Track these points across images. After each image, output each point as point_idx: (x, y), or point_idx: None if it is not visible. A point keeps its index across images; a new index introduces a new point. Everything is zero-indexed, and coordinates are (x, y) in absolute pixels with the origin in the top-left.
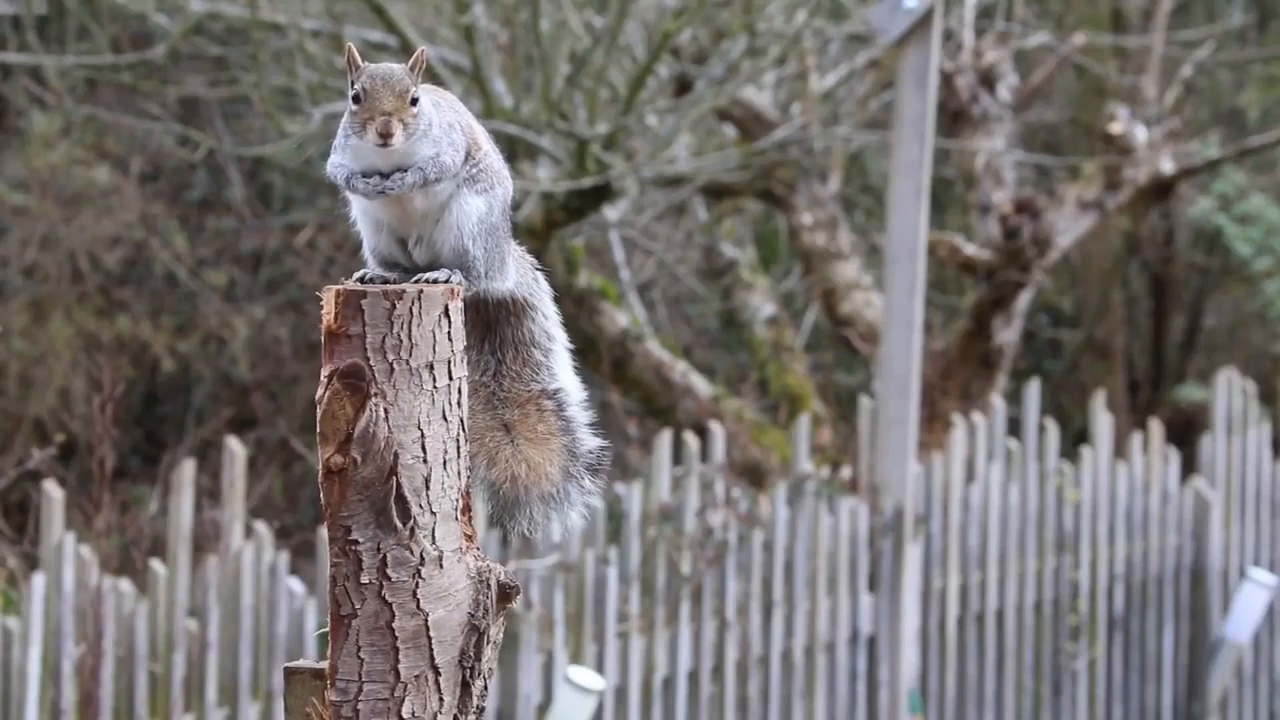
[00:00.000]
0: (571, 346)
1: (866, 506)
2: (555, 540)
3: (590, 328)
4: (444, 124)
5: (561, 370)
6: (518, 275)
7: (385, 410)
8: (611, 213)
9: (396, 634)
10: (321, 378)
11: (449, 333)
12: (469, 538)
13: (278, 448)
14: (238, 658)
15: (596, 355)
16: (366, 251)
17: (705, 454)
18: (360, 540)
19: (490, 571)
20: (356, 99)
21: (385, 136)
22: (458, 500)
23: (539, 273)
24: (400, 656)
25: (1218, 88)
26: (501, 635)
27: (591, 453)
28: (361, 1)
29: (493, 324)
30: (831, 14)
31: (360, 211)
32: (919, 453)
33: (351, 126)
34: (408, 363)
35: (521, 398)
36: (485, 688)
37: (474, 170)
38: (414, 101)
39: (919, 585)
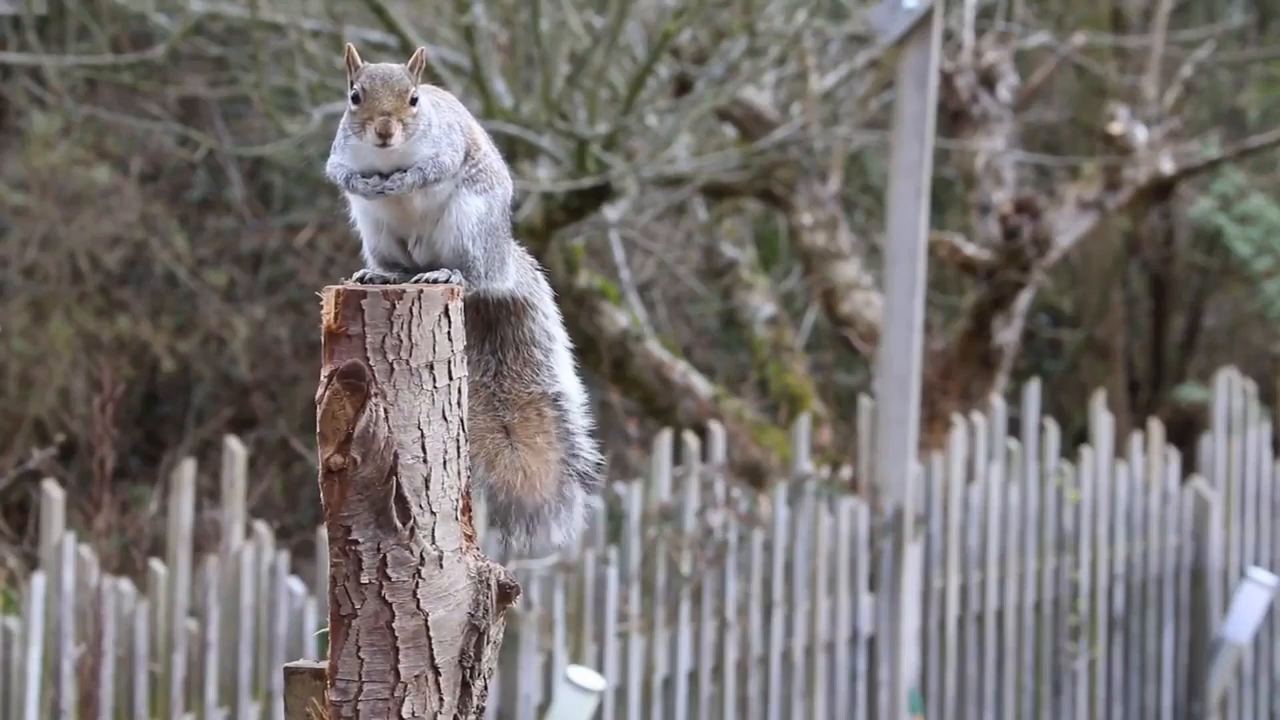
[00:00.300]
0: (571, 346)
1: (866, 506)
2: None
3: (590, 328)
4: (444, 124)
5: (562, 371)
6: (518, 275)
7: (385, 410)
8: (611, 213)
9: (396, 634)
10: (321, 378)
11: (449, 333)
12: (469, 538)
13: (278, 448)
14: (238, 658)
15: (596, 355)
16: (366, 252)
17: (705, 454)
18: (360, 540)
19: (490, 571)
20: (356, 99)
21: (384, 136)
22: (458, 500)
23: (539, 272)
24: (400, 656)
25: (1218, 88)
26: (501, 635)
27: (588, 466)
28: (361, 1)
29: (493, 324)
30: (831, 14)
31: (360, 211)
32: (919, 453)
33: (351, 127)
34: (408, 363)
35: (522, 399)
36: (485, 688)
37: (473, 170)
38: (413, 101)
39: (919, 585)
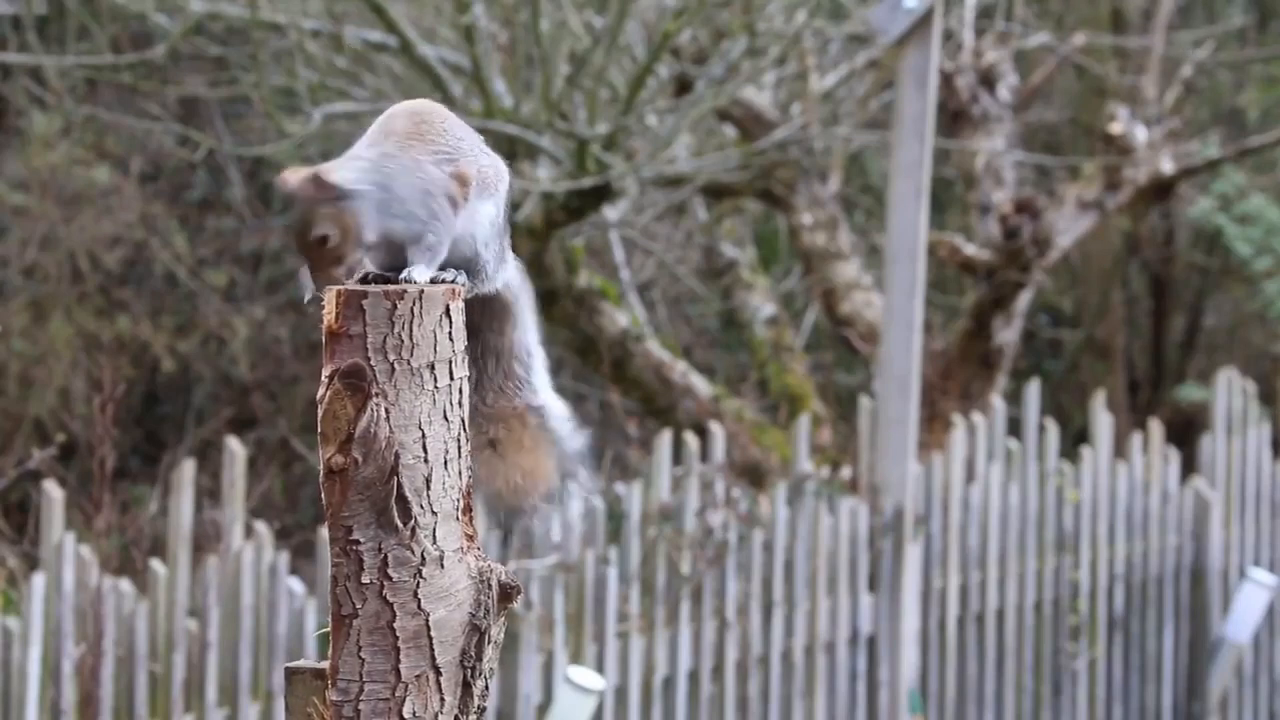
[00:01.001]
0: (549, 363)
1: (866, 506)
2: (555, 540)
3: (590, 328)
4: (418, 190)
5: (541, 386)
6: (510, 272)
7: (386, 410)
8: (611, 213)
9: (397, 634)
10: (322, 378)
11: (450, 333)
12: (470, 538)
13: (278, 448)
14: (238, 658)
15: (596, 355)
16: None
17: (705, 454)
18: (361, 540)
19: (491, 571)
20: None
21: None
22: (459, 500)
23: (526, 282)
24: (401, 656)
25: (1218, 88)
26: (502, 635)
27: (582, 451)
28: (361, 1)
29: (475, 331)
30: (831, 14)
31: None
32: (919, 453)
33: None
34: (409, 363)
35: (505, 413)
36: (486, 688)
37: (479, 180)
38: (322, 241)
39: (919, 585)
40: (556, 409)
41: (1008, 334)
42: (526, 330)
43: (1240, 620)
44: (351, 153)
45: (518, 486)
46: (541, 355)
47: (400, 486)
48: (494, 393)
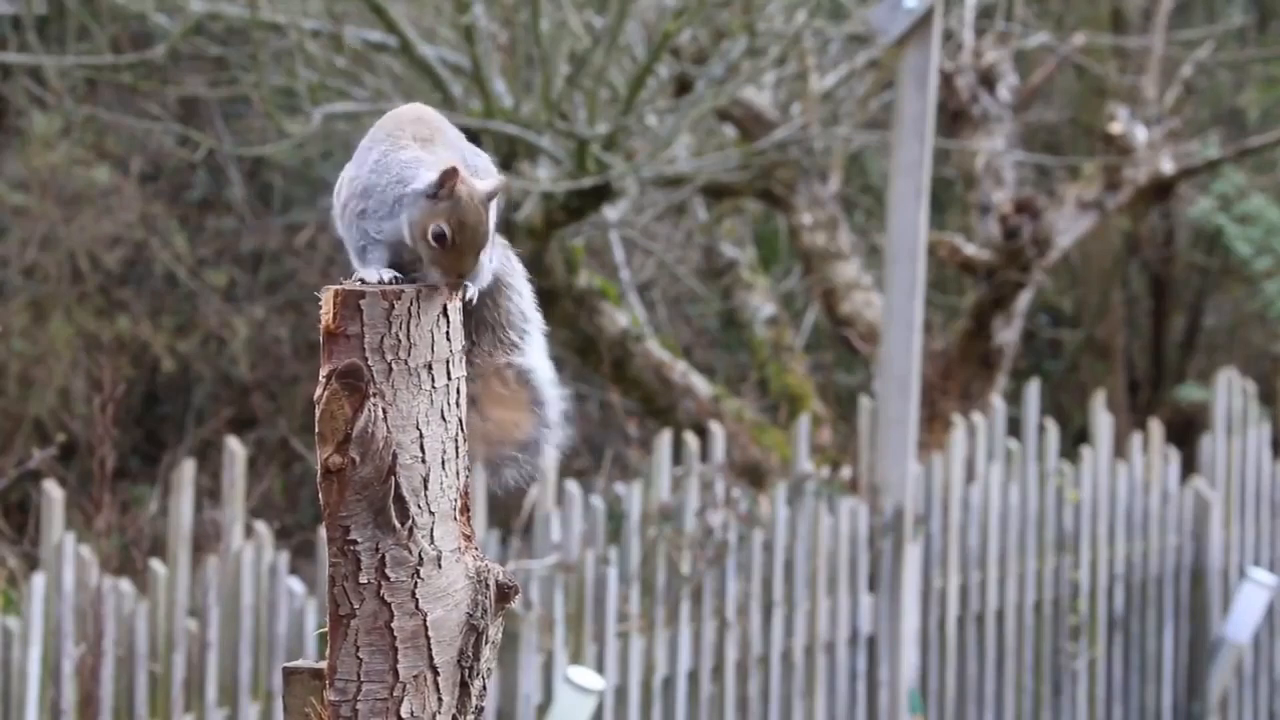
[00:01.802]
0: (546, 329)
1: (866, 506)
2: (555, 540)
3: (590, 328)
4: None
5: (532, 351)
6: (498, 256)
7: (384, 410)
8: (611, 213)
9: (395, 634)
10: (320, 378)
11: (447, 332)
12: (468, 537)
13: (278, 448)
14: (238, 658)
15: (596, 355)
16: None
17: (705, 454)
18: (359, 540)
19: (489, 571)
20: (440, 238)
21: (462, 290)
22: (456, 500)
23: (510, 251)
24: (399, 656)
25: (1218, 88)
26: (500, 635)
27: (556, 401)
28: (361, 1)
29: (471, 309)
30: (831, 14)
31: (374, 231)
32: (919, 453)
33: (428, 252)
34: (406, 363)
35: (487, 370)
36: (484, 688)
37: None
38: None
39: (919, 585)
40: (542, 370)
41: (1008, 334)
42: (521, 297)
43: (1240, 620)
44: (437, 156)
45: (489, 435)
46: (539, 320)
47: (398, 486)
48: (482, 358)
